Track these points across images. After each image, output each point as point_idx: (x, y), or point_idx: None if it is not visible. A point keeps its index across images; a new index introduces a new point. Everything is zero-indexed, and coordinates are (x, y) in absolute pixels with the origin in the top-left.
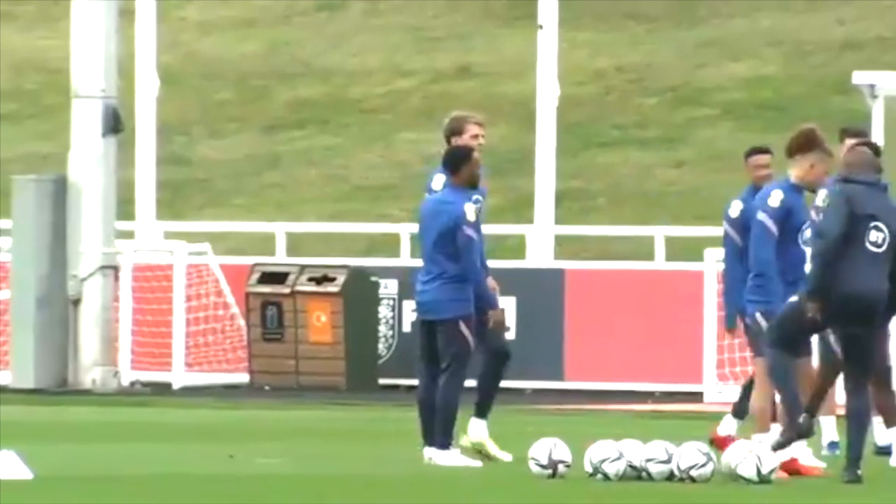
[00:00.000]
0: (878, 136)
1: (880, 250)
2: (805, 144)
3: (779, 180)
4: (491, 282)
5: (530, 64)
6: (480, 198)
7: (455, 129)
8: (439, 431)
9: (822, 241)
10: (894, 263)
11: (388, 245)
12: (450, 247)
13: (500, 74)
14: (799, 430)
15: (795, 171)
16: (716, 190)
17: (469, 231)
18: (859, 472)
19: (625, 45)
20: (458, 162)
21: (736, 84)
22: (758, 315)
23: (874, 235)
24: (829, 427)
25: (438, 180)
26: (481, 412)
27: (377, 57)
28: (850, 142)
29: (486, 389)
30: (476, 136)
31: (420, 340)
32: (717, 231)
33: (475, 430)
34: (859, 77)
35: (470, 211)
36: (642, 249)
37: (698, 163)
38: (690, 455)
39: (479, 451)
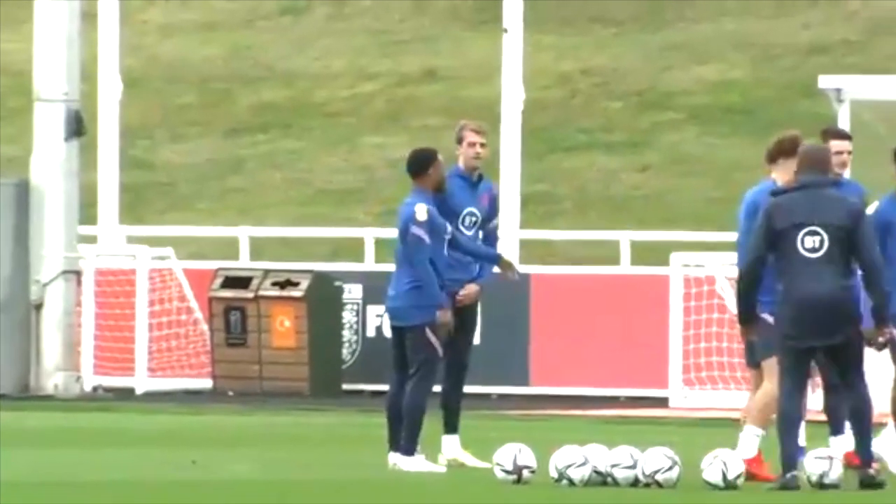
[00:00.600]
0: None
1: (817, 255)
2: (791, 149)
3: (762, 184)
4: (472, 287)
5: (496, 67)
6: (475, 210)
7: (457, 138)
8: (405, 437)
9: (740, 265)
10: (863, 263)
11: (353, 249)
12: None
13: (466, 78)
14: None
15: (781, 175)
16: (682, 194)
17: (417, 231)
18: (871, 471)
19: (590, 48)
20: (420, 165)
21: (702, 88)
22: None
23: (809, 241)
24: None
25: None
26: (450, 427)
27: (341, 60)
28: (833, 143)
29: (449, 404)
30: (473, 144)
31: (392, 347)
32: (683, 235)
33: (448, 446)
34: (825, 81)
35: (420, 211)
36: (608, 254)
37: (664, 167)
38: (656, 460)
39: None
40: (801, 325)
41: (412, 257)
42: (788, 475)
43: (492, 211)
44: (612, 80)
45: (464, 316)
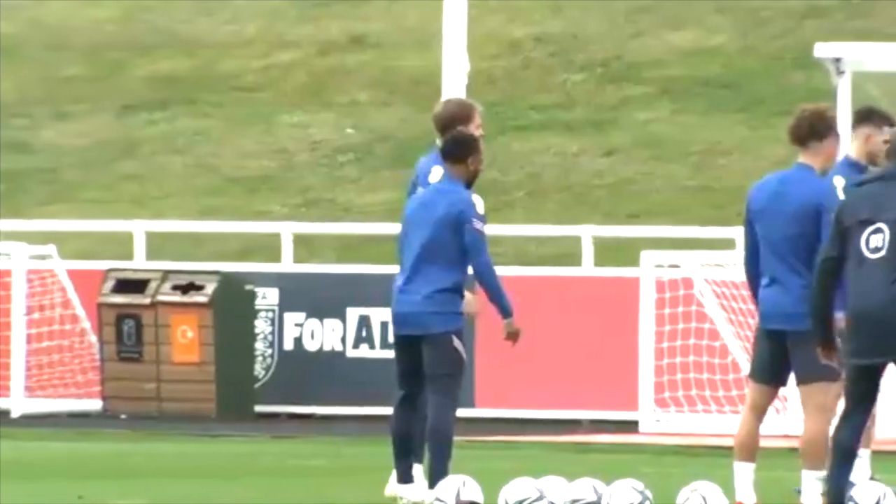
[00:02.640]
0: (844, 119)
1: (878, 256)
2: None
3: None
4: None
5: (435, 33)
6: None
7: (460, 116)
8: (436, 466)
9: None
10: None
11: (267, 248)
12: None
13: (400, 46)
14: None
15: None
16: (653, 182)
17: (479, 225)
18: None
19: (545, 11)
20: (464, 150)
21: (677, 58)
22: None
23: (873, 241)
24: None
25: (437, 172)
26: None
27: (254, 25)
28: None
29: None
30: (479, 127)
31: (399, 360)
32: (655, 231)
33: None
34: (822, 49)
35: (479, 203)
36: (567, 252)
37: (632, 151)
38: (623, 494)
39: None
40: (859, 339)
41: (474, 255)
42: None
43: None
44: (572, 48)
45: None
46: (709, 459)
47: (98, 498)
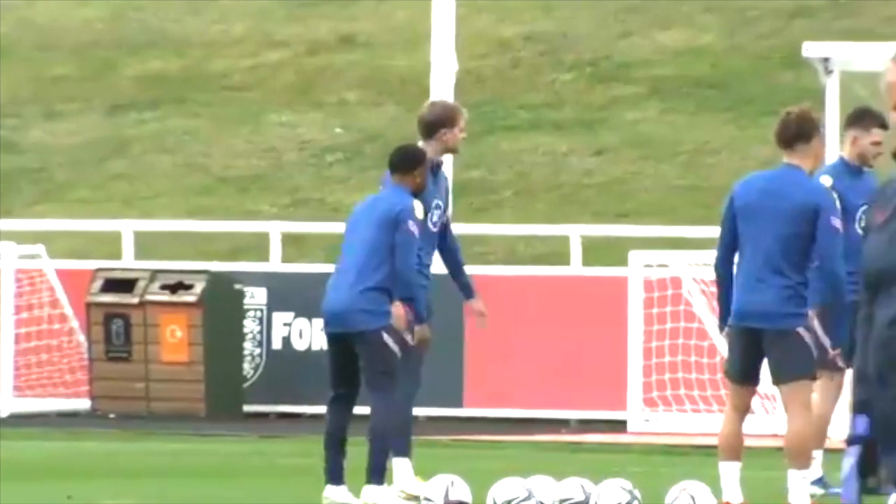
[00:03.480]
0: (832, 119)
1: None
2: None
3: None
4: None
5: (424, 33)
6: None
7: (445, 120)
8: (376, 464)
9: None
10: None
11: (256, 247)
12: None
13: (389, 45)
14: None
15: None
16: (641, 182)
17: (413, 227)
18: None
19: (534, 10)
20: (410, 163)
21: (666, 57)
22: None
23: None
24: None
25: None
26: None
27: (243, 24)
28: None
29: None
30: (462, 130)
31: (331, 360)
32: (644, 230)
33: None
34: (811, 49)
35: (419, 208)
36: (555, 251)
37: (621, 150)
38: (612, 494)
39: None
40: None
41: (401, 254)
42: None
43: (448, 201)
44: (561, 47)
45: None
46: (697, 459)
47: (87, 498)
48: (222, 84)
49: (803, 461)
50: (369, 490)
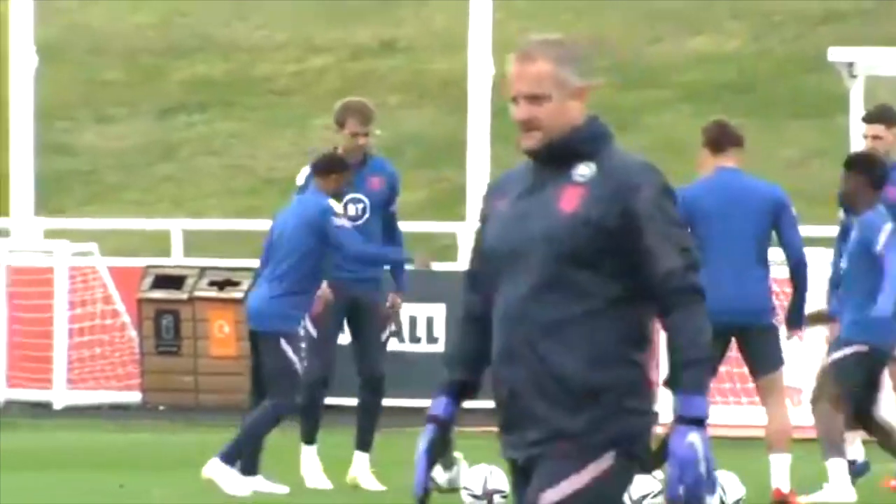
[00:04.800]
0: (856, 122)
1: None
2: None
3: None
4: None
5: (462, 37)
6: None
7: (338, 121)
8: (244, 454)
9: None
10: None
11: None
12: None
13: (429, 50)
14: None
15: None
16: (672, 184)
17: (341, 221)
18: None
19: (568, 16)
20: (331, 167)
21: (694, 62)
22: None
23: None
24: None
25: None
26: (360, 444)
27: (287, 30)
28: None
29: (359, 420)
30: (356, 135)
31: (252, 352)
32: None
33: (356, 463)
34: (836, 53)
35: (336, 204)
36: None
37: (651, 153)
38: (643, 483)
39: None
40: None
41: (346, 248)
42: None
43: (392, 193)
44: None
45: (369, 318)
46: (728, 450)
47: (138, 486)
48: (267, 88)
49: (785, 444)
50: (214, 465)
